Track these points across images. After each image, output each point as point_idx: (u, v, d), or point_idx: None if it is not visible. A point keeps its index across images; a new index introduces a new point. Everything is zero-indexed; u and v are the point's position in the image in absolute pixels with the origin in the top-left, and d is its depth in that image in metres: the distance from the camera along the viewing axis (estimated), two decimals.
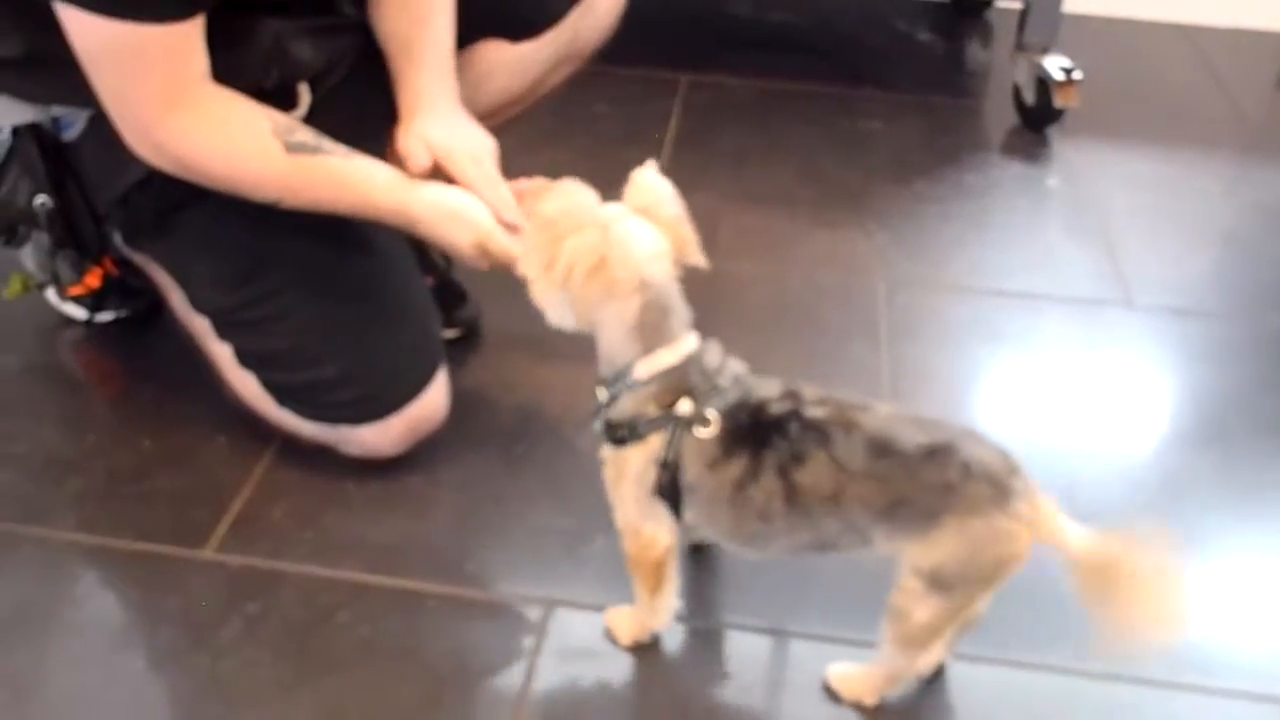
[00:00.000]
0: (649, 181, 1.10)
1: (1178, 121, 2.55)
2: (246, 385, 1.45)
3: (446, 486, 1.48)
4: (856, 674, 1.19)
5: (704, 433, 1.06)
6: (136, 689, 1.21)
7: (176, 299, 1.47)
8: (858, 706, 1.19)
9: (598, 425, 1.14)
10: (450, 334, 1.68)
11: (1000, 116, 2.49)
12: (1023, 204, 2.24)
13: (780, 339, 1.87)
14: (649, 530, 1.15)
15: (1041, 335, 1.86)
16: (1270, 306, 1.95)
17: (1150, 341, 1.89)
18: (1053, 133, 2.42)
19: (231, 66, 1.27)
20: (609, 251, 1.04)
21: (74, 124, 1.38)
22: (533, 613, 1.31)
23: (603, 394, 1.12)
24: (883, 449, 1.02)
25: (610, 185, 2.28)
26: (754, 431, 1.06)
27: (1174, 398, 1.75)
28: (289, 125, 1.30)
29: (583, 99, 2.39)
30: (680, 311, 1.08)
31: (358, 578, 1.34)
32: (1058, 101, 2.33)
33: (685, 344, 1.08)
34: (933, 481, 1.01)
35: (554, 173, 2.30)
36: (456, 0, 1.44)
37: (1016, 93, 2.43)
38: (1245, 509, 1.53)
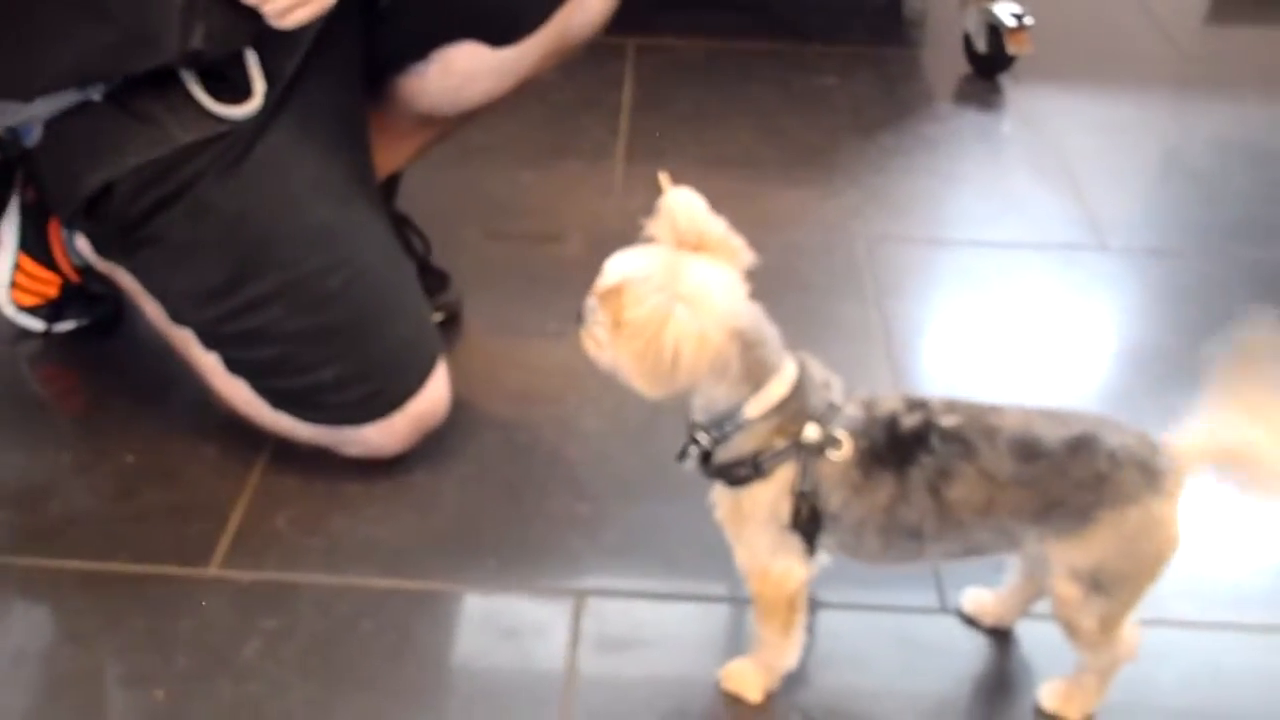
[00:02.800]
0: (683, 204, 0.99)
1: (1121, 62, 2.57)
2: (237, 392, 1.36)
3: (453, 481, 1.42)
4: (1062, 689, 1.13)
5: (837, 455, 1.01)
6: None
7: (152, 310, 1.38)
8: None
9: (695, 466, 1.06)
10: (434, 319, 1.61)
11: (950, 65, 2.47)
12: (984, 152, 2.24)
13: (767, 304, 1.82)
14: (780, 567, 1.06)
15: (1023, 283, 1.86)
16: (1240, 241, 1.97)
17: (1129, 283, 1.90)
18: (1004, 79, 2.42)
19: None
20: (699, 321, 0.94)
21: (32, 130, 1.28)
22: (564, 605, 1.26)
23: (704, 438, 1.04)
24: (1029, 452, 0.98)
25: (573, 156, 2.26)
26: (893, 449, 1.00)
27: (1159, 336, 1.76)
28: None
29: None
30: (773, 337, 1.00)
31: (376, 583, 1.28)
32: (1010, 48, 2.32)
33: (789, 370, 1.02)
34: (1083, 477, 0.98)
35: (513, 145, 2.28)
36: (432, 2, 1.35)
37: (967, 41, 2.42)
38: None
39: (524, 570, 1.31)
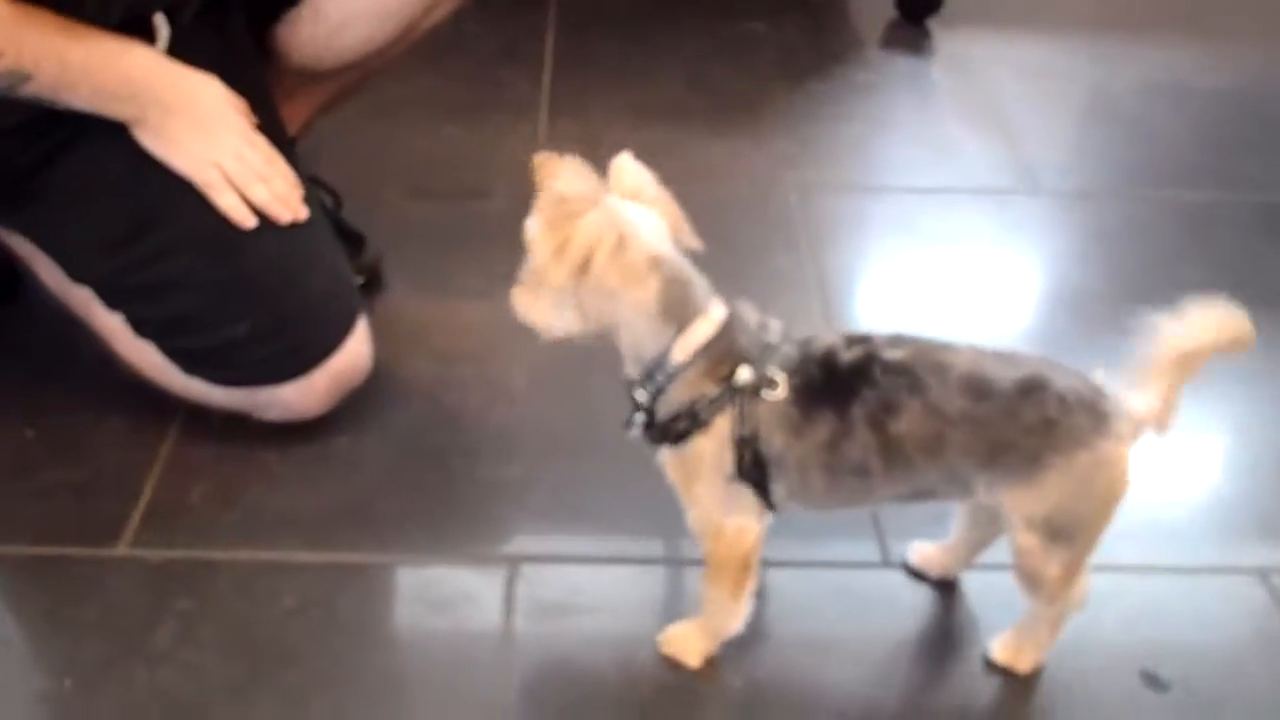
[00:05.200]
0: (630, 168, 0.98)
1: (1046, 5, 2.55)
2: (145, 356, 1.29)
3: (377, 446, 1.36)
4: (1012, 640, 1.11)
5: (774, 395, 0.96)
6: (64, 714, 1.07)
7: (46, 270, 1.29)
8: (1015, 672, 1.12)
9: (639, 430, 1.02)
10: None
11: (878, 10, 2.43)
12: (915, 98, 2.21)
13: (698, 259, 1.79)
14: (735, 523, 1.02)
15: (958, 228, 1.83)
16: (1168, 183, 1.97)
17: (1061, 225, 1.88)
18: (932, 24, 2.38)
19: None
20: (619, 229, 0.93)
21: None
22: (497, 573, 1.21)
23: (641, 395, 1.00)
24: (980, 390, 0.95)
25: (496, 109, 2.18)
26: (832, 384, 0.97)
27: (1091, 279, 1.75)
28: None
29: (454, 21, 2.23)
30: (699, 281, 0.98)
31: (298, 557, 1.22)
32: None
33: (716, 312, 0.98)
34: (1033, 421, 0.95)
35: (432, 99, 2.19)
36: None
37: None
38: None
39: (454, 538, 1.25)
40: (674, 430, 0.99)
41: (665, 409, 0.99)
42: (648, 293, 0.94)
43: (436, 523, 1.27)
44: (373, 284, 1.59)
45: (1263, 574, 1.25)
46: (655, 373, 0.98)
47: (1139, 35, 2.44)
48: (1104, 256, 1.80)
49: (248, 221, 1.23)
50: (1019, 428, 0.95)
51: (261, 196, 1.24)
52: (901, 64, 2.31)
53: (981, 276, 1.73)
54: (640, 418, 1.00)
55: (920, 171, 1.96)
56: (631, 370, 1.00)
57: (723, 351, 0.97)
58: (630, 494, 1.25)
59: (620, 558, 1.24)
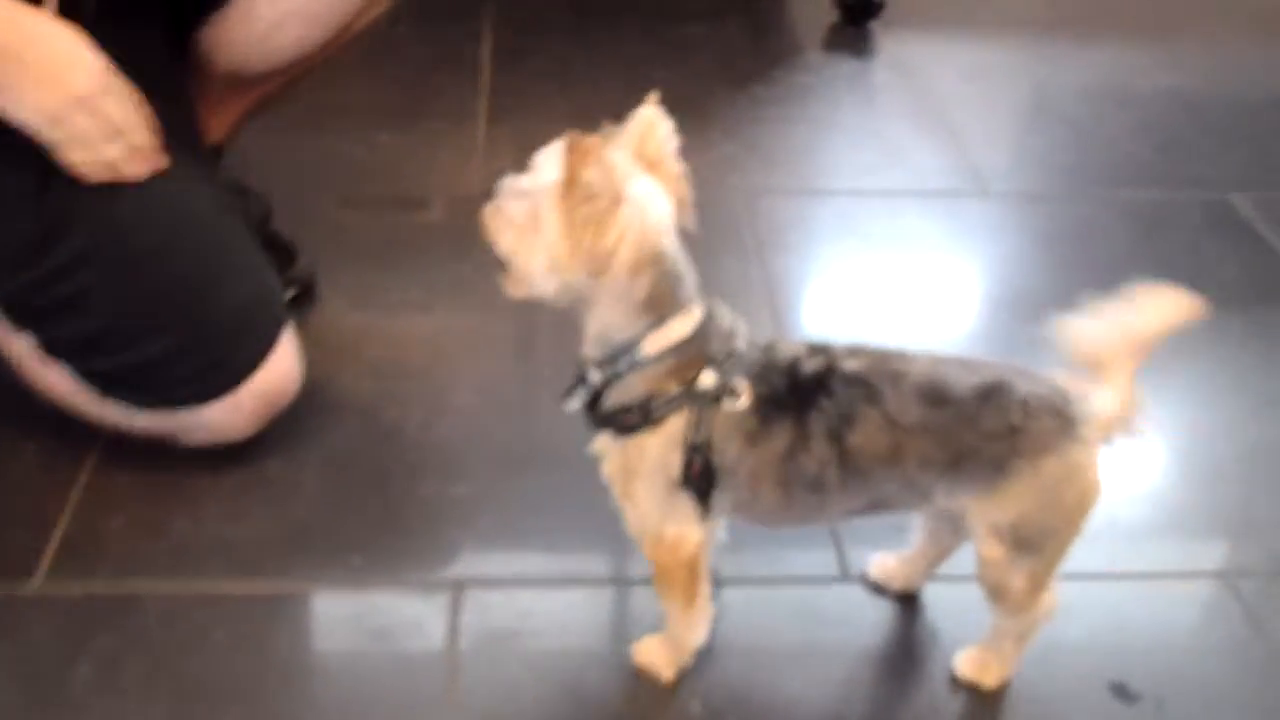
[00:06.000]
0: (653, 122, 0.93)
1: (986, 7, 2.54)
2: (57, 380, 1.21)
3: (313, 468, 1.29)
4: (978, 655, 1.08)
5: (735, 405, 0.92)
6: None
7: None
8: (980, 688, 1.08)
9: (583, 409, 0.96)
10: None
11: (819, 12, 2.41)
12: (860, 100, 2.18)
13: None
14: (673, 530, 0.98)
15: (907, 232, 1.81)
16: (1114, 183, 1.96)
17: (1009, 227, 1.86)
18: (873, 26, 2.36)
19: None
20: (645, 219, 0.88)
21: None
22: (441, 599, 1.15)
23: (595, 375, 0.95)
24: (937, 397, 0.91)
25: (433, 116, 2.12)
26: (793, 395, 0.92)
27: (1043, 280, 1.72)
28: None
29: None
30: (689, 276, 0.92)
31: (228, 588, 1.15)
32: None
33: (696, 309, 0.93)
34: (995, 427, 0.91)
35: (368, 107, 2.13)
36: None
37: None
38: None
39: (394, 563, 1.19)
40: (621, 421, 0.94)
41: (618, 397, 0.94)
42: (641, 283, 0.89)
43: (377, 547, 1.21)
44: (306, 297, 1.53)
45: (1226, 577, 1.23)
46: (619, 358, 0.92)
47: (1081, 37, 2.44)
48: (1053, 258, 1.78)
49: (98, 177, 1.13)
50: (980, 434, 0.91)
51: (113, 155, 1.13)
52: (844, 66, 2.29)
53: (931, 280, 1.70)
54: (582, 392, 0.96)
55: (867, 174, 1.94)
56: (592, 349, 0.94)
57: (693, 353, 0.92)
58: (578, 514, 1.19)
59: (569, 579, 1.19)
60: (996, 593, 1.00)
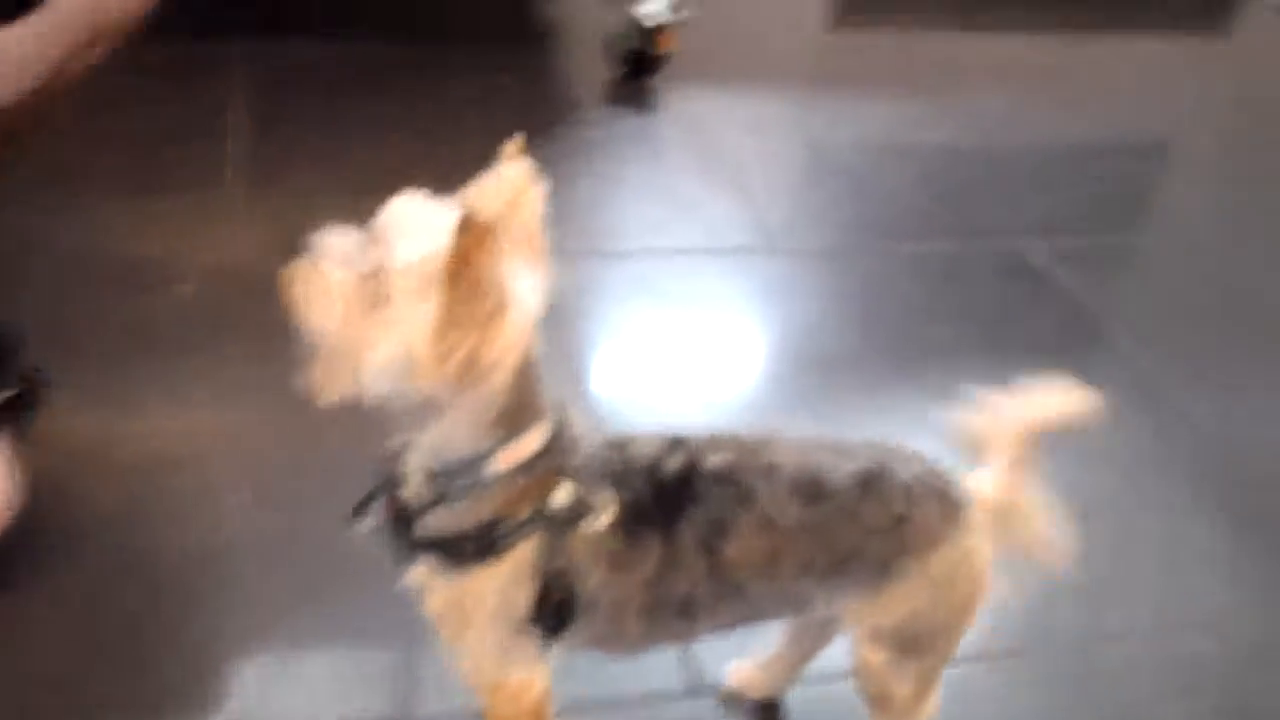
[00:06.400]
0: (523, 185, 0.77)
1: (759, 63, 2.53)
2: None
3: (44, 608, 1.07)
4: None
5: (596, 524, 0.77)
6: None
7: None
8: None
9: (388, 530, 0.79)
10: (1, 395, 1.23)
11: (595, 67, 2.32)
12: (645, 156, 2.11)
13: None
14: (518, 677, 0.82)
15: (701, 290, 1.74)
16: (896, 236, 1.96)
17: (802, 284, 1.82)
18: (656, 81, 2.30)
19: None
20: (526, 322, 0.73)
21: None
22: None
23: (418, 490, 0.77)
24: (814, 491, 0.81)
25: (165, 192, 1.89)
26: (658, 504, 0.78)
27: (842, 337, 1.69)
28: None
29: (116, 84, 1.93)
30: (545, 379, 0.77)
31: None
32: (660, 48, 2.21)
33: (551, 415, 0.77)
34: (880, 520, 0.81)
35: (106, 177, 1.87)
36: None
37: (613, 43, 2.28)
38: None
39: (158, 709, 0.99)
40: (456, 550, 0.77)
41: (451, 521, 0.77)
42: (494, 393, 0.72)
43: (134, 692, 0.99)
44: (30, 396, 1.28)
45: (1083, 647, 1.18)
46: (457, 476, 0.76)
47: (850, 92, 2.47)
48: (850, 315, 1.76)
49: None
50: (863, 530, 0.82)
51: None
52: (630, 121, 2.21)
53: (728, 339, 1.65)
54: (382, 508, 0.78)
55: (659, 231, 1.86)
56: (421, 461, 0.77)
57: (546, 468, 0.77)
58: (383, 641, 1.02)
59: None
60: (879, 701, 0.90)
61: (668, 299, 1.70)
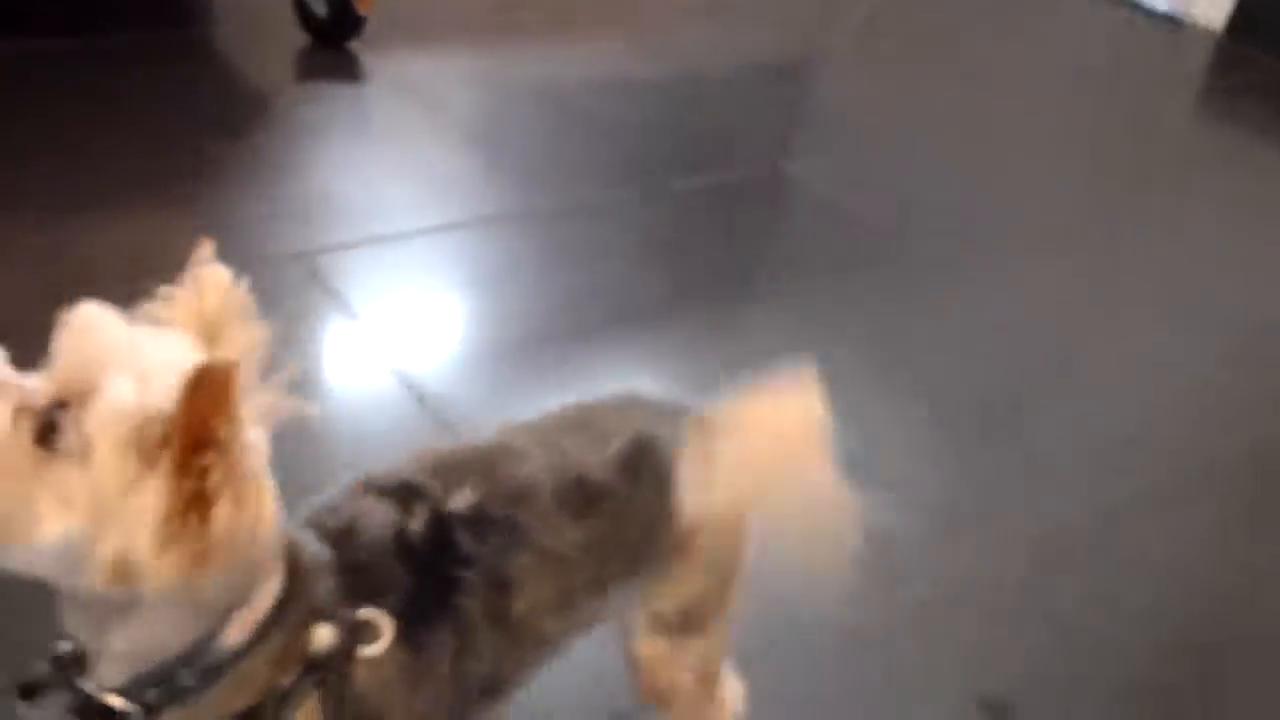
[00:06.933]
0: (224, 288, 0.60)
1: (459, 9, 2.35)
2: None
3: None
4: None
5: (378, 645, 0.62)
6: None
7: None
8: None
9: None
10: None
11: (288, 38, 2.06)
12: (370, 129, 1.91)
13: None
14: None
15: (465, 265, 1.61)
16: (666, 174, 1.88)
17: (580, 242, 1.71)
18: (356, 47, 2.07)
19: None
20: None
21: None
22: None
23: (128, 705, 0.56)
24: (583, 499, 0.70)
25: None
26: (424, 586, 0.64)
27: (641, 285, 1.62)
28: None
29: None
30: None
31: None
32: (360, 10, 1.99)
33: (286, 555, 0.60)
34: (660, 504, 0.71)
35: None
36: None
37: (303, 8, 2.03)
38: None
39: None
40: None
41: None
42: (224, 574, 0.54)
43: None
44: None
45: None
46: (177, 674, 0.57)
47: (565, 32, 2.35)
48: (648, 263, 1.66)
49: None
50: (646, 520, 0.73)
51: None
52: (342, 93, 1.98)
53: (518, 309, 1.54)
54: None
55: (410, 211, 1.68)
56: (113, 671, 0.57)
57: (297, 614, 0.60)
58: None
59: None
60: (667, 698, 0.82)
61: (437, 281, 1.56)
